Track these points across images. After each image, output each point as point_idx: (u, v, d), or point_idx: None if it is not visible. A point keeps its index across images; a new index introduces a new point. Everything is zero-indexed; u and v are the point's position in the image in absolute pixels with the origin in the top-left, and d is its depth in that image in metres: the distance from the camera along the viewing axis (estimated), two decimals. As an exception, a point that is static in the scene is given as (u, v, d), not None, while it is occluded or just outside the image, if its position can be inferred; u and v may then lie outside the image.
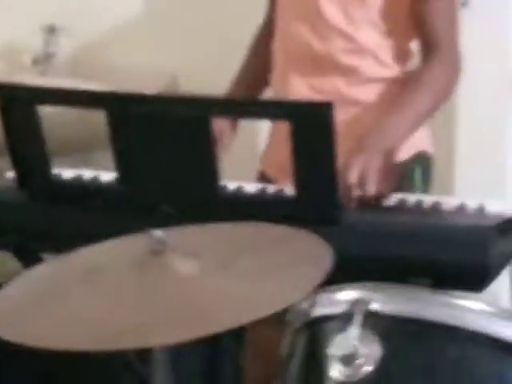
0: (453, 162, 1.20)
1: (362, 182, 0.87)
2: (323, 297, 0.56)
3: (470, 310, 0.55)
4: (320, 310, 0.56)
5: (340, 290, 0.56)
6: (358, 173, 0.87)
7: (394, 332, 0.53)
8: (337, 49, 1.03)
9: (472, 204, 0.90)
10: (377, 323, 0.52)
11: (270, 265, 0.56)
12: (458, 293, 0.63)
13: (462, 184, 1.17)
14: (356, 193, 0.87)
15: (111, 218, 0.88)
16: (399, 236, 0.83)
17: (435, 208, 0.90)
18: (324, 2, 1.00)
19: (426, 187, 1.02)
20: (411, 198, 0.93)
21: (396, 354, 0.52)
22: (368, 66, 1.03)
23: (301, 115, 0.87)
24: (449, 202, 0.90)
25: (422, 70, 1.01)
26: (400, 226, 0.87)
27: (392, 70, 1.04)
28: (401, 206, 0.91)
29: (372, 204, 0.90)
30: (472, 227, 0.84)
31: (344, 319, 0.52)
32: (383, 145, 0.92)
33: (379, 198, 0.90)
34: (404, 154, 1.00)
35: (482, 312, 0.55)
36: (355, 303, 0.52)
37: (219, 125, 1.04)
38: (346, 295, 0.55)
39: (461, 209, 0.89)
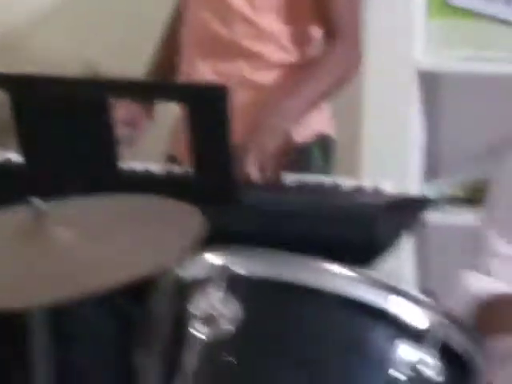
0: (359, 144, 1.24)
1: (259, 166, 0.89)
2: (193, 261, 0.58)
3: (332, 273, 0.56)
4: (188, 274, 0.58)
5: (207, 253, 0.58)
6: (255, 156, 0.90)
7: (255, 294, 0.55)
8: (240, 34, 1.06)
9: (368, 185, 0.93)
10: (239, 286, 0.54)
11: (146, 234, 0.60)
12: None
13: (368, 166, 1.21)
14: (254, 175, 0.90)
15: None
16: (293, 214, 0.86)
17: (332, 188, 0.93)
18: None
19: (326, 168, 1.04)
20: (310, 178, 0.96)
21: (257, 316, 0.54)
22: (270, 51, 1.05)
23: (196, 98, 0.88)
24: (346, 183, 0.93)
25: (323, 54, 1.04)
26: (295, 205, 0.89)
27: (294, 55, 1.06)
28: (300, 187, 0.93)
29: (271, 184, 0.93)
30: (361, 206, 0.87)
31: (209, 282, 0.54)
32: (280, 125, 0.95)
33: (277, 178, 0.92)
34: (304, 135, 1.03)
35: (344, 276, 0.56)
36: (219, 267, 0.55)
37: (132, 109, 1.06)
38: (213, 259, 0.57)
39: (357, 189, 0.92)
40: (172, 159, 1.10)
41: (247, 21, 1.04)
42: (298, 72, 1.02)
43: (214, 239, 0.60)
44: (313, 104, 0.98)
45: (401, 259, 1.10)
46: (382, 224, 0.84)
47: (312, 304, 0.54)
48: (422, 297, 0.56)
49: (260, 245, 0.64)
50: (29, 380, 0.72)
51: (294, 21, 1.05)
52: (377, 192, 0.90)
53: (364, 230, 0.83)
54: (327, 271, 0.55)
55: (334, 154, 1.07)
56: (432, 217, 1.06)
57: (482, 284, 0.68)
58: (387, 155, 1.22)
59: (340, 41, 1.01)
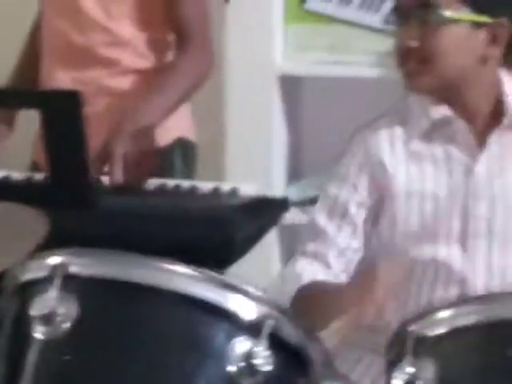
0: (222, 148, 1.28)
1: (119, 170, 0.90)
2: (32, 262, 0.60)
3: (169, 271, 0.58)
4: (28, 275, 0.59)
5: (47, 255, 0.59)
6: (115, 160, 0.90)
7: (92, 293, 0.57)
8: (96, 42, 1.07)
9: (226, 187, 0.95)
10: (75, 285, 0.56)
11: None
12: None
13: (232, 169, 1.25)
14: (115, 179, 0.90)
15: None
16: (150, 217, 0.87)
17: (191, 191, 0.94)
18: None
19: (187, 171, 1.07)
20: (170, 182, 0.97)
21: (94, 315, 0.56)
22: (127, 58, 1.07)
23: (49, 104, 0.88)
24: (205, 186, 0.94)
25: (176, 60, 1.07)
26: (151, 208, 0.90)
27: (151, 61, 1.08)
28: (159, 190, 0.95)
29: (131, 187, 0.93)
30: (216, 207, 0.90)
31: (46, 282, 0.56)
32: (138, 130, 0.96)
33: (138, 181, 0.93)
34: (164, 140, 1.05)
35: (181, 274, 0.58)
36: (56, 267, 0.56)
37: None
38: (51, 260, 0.58)
39: (215, 191, 0.93)
40: (35, 166, 1.09)
41: (103, 28, 1.06)
42: (154, 77, 1.04)
43: (70, 242, 0.61)
44: (169, 109, 1.00)
45: (268, 258, 1.16)
46: (237, 225, 0.86)
47: (150, 302, 0.56)
48: (256, 291, 0.59)
49: (117, 248, 0.65)
50: None
51: (149, 27, 1.07)
52: (234, 194, 0.93)
53: (219, 231, 0.85)
54: (164, 269, 0.57)
55: (196, 157, 1.10)
56: (296, 217, 1.12)
57: (309, 270, 0.76)
58: (251, 158, 1.27)
59: (191, 46, 1.04)
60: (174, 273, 0.56)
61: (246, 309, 0.55)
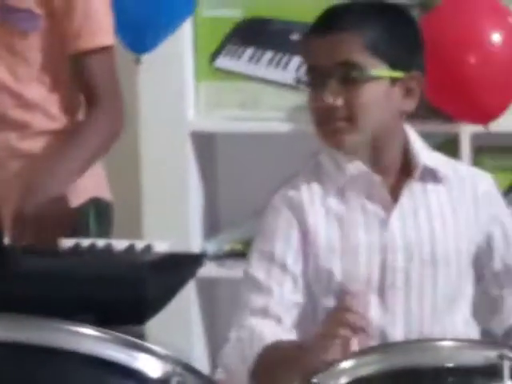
0: (139, 206, 1.29)
1: (32, 231, 0.91)
2: None
3: (75, 333, 0.59)
4: None
5: None
6: (29, 222, 0.91)
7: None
8: (6, 105, 1.07)
9: (140, 245, 0.96)
10: None
11: None
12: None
13: (149, 227, 1.26)
14: (28, 240, 0.91)
15: None
16: (65, 278, 0.85)
17: (106, 250, 0.95)
18: None
19: (102, 231, 1.07)
20: (85, 241, 0.95)
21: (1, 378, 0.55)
22: (38, 120, 1.07)
23: None
24: (119, 244, 0.95)
25: (86, 120, 1.08)
26: (65, 268, 0.89)
27: (62, 122, 1.09)
28: (74, 250, 0.94)
29: (45, 248, 0.93)
30: (130, 265, 0.90)
31: None
32: (50, 191, 0.97)
33: (52, 242, 0.93)
34: (77, 200, 1.05)
35: (88, 336, 0.59)
36: None
37: None
38: None
39: (129, 249, 0.94)
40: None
41: (11, 92, 1.05)
42: (66, 138, 1.05)
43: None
44: (80, 168, 1.01)
45: (187, 311, 1.16)
46: (149, 283, 0.87)
47: (58, 364, 0.57)
48: (161, 350, 0.60)
49: (30, 309, 0.64)
50: None
51: (59, 89, 1.08)
52: (148, 251, 0.95)
53: (131, 289, 0.84)
54: (71, 332, 0.58)
55: (111, 216, 1.10)
56: (213, 270, 1.15)
57: (269, 329, 0.74)
58: (167, 215, 1.29)
59: (100, 106, 1.05)
60: (81, 335, 0.58)
61: (152, 367, 0.57)
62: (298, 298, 0.78)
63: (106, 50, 1.06)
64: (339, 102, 0.76)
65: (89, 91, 1.05)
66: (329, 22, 0.80)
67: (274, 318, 0.76)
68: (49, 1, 1.03)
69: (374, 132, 0.79)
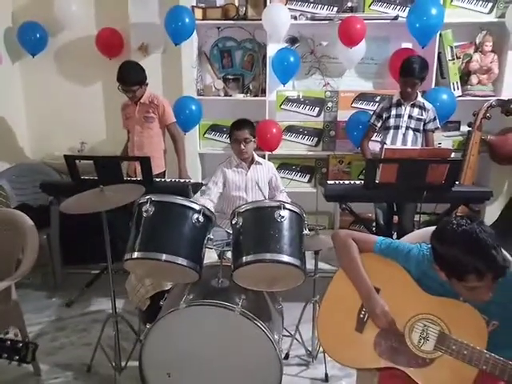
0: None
1: None
2: None
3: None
4: None
5: None
6: None
7: None
8: (142, 143, 3.43)
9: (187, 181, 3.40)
10: None
11: None
12: None
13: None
14: None
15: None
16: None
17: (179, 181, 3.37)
18: None
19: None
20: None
21: None
22: (155, 141, 3.45)
23: None
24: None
25: (177, 146, 3.47)
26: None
27: (161, 142, 3.50)
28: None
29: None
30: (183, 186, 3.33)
31: None
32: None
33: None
34: (160, 169, 3.50)
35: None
36: None
37: None
38: None
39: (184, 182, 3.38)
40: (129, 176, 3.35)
41: (145, 142, 3.44)
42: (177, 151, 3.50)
43: None
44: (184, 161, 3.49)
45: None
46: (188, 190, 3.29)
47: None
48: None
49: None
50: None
51: (159, 136, 3.49)
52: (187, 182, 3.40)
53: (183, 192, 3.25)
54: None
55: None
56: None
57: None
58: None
59: (179, 140, 3.47)
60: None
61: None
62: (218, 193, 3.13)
63: (174, 123, 3.46)
64: None
65: (173, 135, 3.43)
66: None
67: (209, 197, 3.08)
68: (158, 113, 3.39)
69: None
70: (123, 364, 2.39)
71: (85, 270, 3.58)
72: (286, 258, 1.96)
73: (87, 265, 3.56)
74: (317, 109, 3.92)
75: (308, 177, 4.09)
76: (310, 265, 2.12)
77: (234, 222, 2.06)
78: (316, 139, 3.97)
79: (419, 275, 1.61)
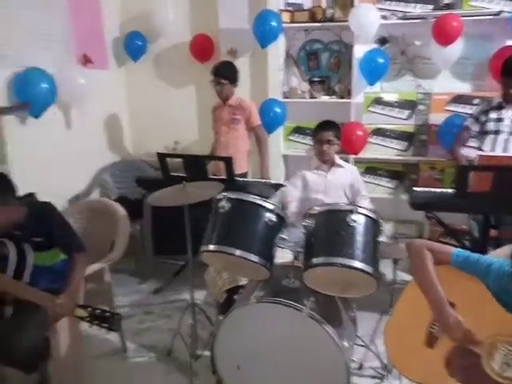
0: None
1: None
2: None
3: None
4: None
5: None
6: None
7: None
8: (228, 137, 3.56)
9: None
10: None
11: None
12: None
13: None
14: None
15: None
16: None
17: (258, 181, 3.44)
18: None
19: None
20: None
21: None
22: (240, 142, 3.56)
23: None
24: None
25: (261, 148, 3.55)
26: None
27: (246, 141, 3.60)
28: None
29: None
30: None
31: None
32: None
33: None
34: (243, 169, 3.60)
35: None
36: None
37: None
38: None
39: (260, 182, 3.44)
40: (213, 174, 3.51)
41: (231, 142, 3.58)
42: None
43: None
44: (268, 165, 3.57)
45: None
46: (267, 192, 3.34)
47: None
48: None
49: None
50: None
51: (244, 137, 3.61)
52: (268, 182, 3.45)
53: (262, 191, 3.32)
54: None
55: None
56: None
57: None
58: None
59: (263, 142, 3.52)
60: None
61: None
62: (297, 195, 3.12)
63: (259, 125, 3.54)
64: None
65: (257, 137, 3.52)
66: None
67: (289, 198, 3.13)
68: (244, 115, 3.50)
69: None
70: (199, 352, 2.50)
71: (173, 260, 3.81)
72: (357, 264, 1.90)
73: (176, 255, 3.77)
74: (407, 111, 3.73)
75: (396, 182, 3.90)
76: (388, 274, 2.03)
77: (305, 224, 2.06)
78: (405, 143, 3.78)
79: (497, 290, 1.47)
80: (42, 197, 2.27)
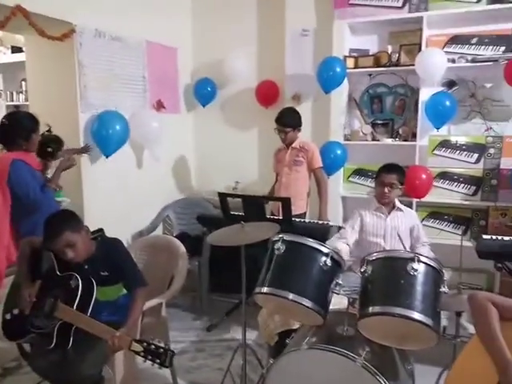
0: None
1: None
2: None
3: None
4: None
5: None
6: None
7: None
8: (290, 182, 3.61)
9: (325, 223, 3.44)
10: None
11: None
12: None
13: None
14: None
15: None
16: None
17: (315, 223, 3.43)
18: None
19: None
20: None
21: None
22: (300, 184, 3.60)
23: None
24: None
25: (320, 190, 3.62)
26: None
27: (306, 180, 3.62)
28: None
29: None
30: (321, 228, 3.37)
31: None
32: None
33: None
34: (302, 210, 3.59)
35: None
36: None
37: None
38: None
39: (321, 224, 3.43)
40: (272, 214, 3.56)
41: (292, 184, 3.62)
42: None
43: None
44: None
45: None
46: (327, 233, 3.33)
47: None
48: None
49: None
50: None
51: (305, 179, 3.67)
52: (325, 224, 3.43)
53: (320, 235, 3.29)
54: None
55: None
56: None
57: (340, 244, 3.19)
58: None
59: (323, 191, 3.52)
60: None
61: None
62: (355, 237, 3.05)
63: (320, 168, 3.56)
64: None
65: (318, 179, 3.51)
66: None
67: (346, 241, 2.98)
68: (306, 157, 3.54)
69: None
70: (248, 395, 2.47)
71: (228, 298, 3.84)
72: (416, 316, 1.82)
73: (231, 294, 3.80)
74: (475, 155, 3.59)
75: (462, 229, 3.70)
76: (451, 326, 1.91)
77: (363, 270, 2.01)
78: (473, 188, 3.61)
79: None
80: (109, 232, 2.43)
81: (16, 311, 2.09)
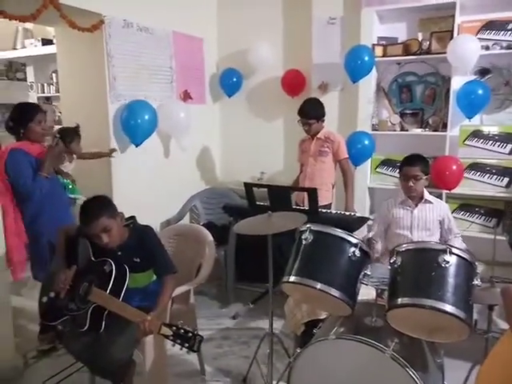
0: None
1: None
2: None
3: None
4: None
5: None
6: None
7: None
8: (314, 169, 3.57)
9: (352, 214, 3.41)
10: None
11: None
12: None
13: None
14: None
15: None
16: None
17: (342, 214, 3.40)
18: None
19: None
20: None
21: None
22: (326, 175, 3.56)
23: None
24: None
25: (347, 182, 3.57)
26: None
27: (332, 170, 3.59)
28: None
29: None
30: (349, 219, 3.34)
31: None
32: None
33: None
34: (328, 201, 3.55)
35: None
36: None
37: None
38: None
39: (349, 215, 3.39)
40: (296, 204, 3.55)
41: (317, 170, 3.59)
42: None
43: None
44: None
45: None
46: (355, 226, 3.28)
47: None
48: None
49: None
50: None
51: (330, 169, 3.61)
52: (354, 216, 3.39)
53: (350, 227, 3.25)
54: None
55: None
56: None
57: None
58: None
59: (349, 180, 3.45)
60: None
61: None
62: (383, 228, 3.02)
63: (346, 158, 3.51)
64: None
65: (343, 170, 3.47)
66: None
67: (374, 233, 2.98)
68: (332, 147, 3.50)
69: None
70: (274, 382, 2.49)
71: (254, 287, 3.85)
72: (447, 308, 1.78)
73: (257, 283, 3.82)
74: (509, 145, 3.48)
75: (494, 221, 3.60)
76: (483, 320, 1.87)
77: (392, 261, 1.99)
78: (507, 179, 3.51)
79: None
80: (137, 220, 2.47)
81: (52, 294, 2.16)
